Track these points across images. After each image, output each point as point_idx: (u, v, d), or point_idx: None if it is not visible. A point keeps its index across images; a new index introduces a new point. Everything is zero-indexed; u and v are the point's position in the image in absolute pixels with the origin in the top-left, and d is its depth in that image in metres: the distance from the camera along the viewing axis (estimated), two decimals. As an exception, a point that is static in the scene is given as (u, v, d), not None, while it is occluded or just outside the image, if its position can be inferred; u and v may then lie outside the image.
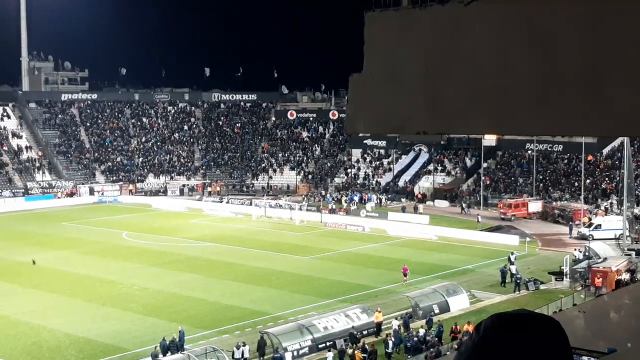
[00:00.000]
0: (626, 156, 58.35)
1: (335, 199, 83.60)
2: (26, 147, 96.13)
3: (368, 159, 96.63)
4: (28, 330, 37.81)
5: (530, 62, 4.13)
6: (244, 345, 33.42)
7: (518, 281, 45.29)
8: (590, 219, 63.94)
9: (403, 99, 4.68)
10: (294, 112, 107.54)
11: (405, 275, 47.44)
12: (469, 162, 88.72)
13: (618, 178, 67.18)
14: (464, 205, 77.42)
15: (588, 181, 74.53)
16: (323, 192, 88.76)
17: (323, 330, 35.56)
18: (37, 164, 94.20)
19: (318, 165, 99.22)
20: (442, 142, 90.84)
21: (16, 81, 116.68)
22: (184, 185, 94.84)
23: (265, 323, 38.19)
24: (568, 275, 46.59)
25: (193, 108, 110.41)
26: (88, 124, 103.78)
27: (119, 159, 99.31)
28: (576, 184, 74.79)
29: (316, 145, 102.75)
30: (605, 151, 79.03)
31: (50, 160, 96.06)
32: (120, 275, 49.44)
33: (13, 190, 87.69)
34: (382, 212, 74.84)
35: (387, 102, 4.78)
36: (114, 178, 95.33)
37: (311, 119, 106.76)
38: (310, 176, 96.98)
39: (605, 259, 48.58)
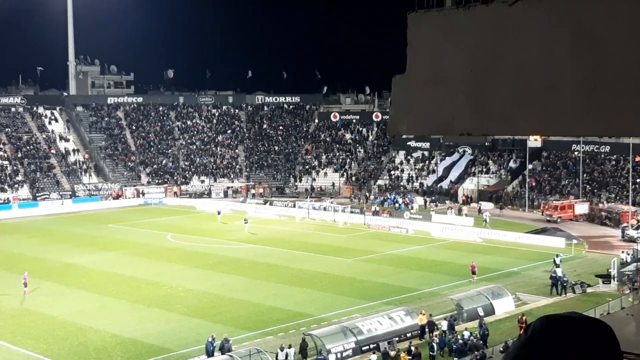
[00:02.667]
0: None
1: (380, 201, 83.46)
2: (73, 150, 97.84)
3: (411, 160, 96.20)
4: (75, 331, 38.42)
5: (577, 62, 4.08)
6: (290, 347, 33.47)
7: (565, 284, 44.63)
8: (638, 221, 62.76)
9: (447, 100, 4.65)
10: (337, 114, 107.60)
11: (473, 272, 47.83)
12: (513, 164, 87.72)
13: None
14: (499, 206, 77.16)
15: (636, 183, 73.09)
16: (367, 194, 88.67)
17: (367, 332, 35.48)
18: (84, 167, 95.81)
19: (361, 167, 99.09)
20: (486, 144, 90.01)
21: (63, 85, 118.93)
22: (228, 188, 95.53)
23: (309, 325, 38.22)
24: (616, 278, 45.78)
25: (237, 110, 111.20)
26: (133, 127, 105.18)
27: (163, 162, 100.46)
28: (624, 185, 73.44)
29: (359, 147, 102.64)
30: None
31: (96, 163, 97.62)
32: (165, 276, 49.96)
33: (60, 193, 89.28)
34: (426, 214, 74.37)
35: (431, 103, 4.75)
36: (159, 180, 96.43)
37: (354, 120, 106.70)
38: (353, 178, 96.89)
39: (654, 261, 47.60)
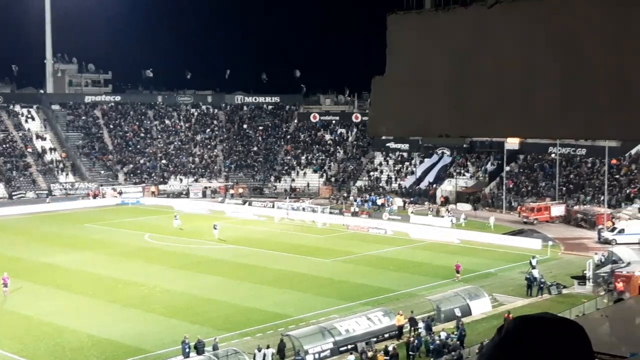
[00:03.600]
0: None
1: (361, 202, 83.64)
2: (50, 149, 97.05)
3: (390, 161, 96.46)
4: (51, 331, 38.11)
5: (555, 65, 4.12)
6: (267, 348, 33.45)
7: (541, 285, 44.99)
8: (613, 223, 63.38)
9: (426, 102, 4.68)
10: (316, 115, 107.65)
11: (457, 272, 48.18)
12: (491, 166, 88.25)
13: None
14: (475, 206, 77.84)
15: (612, 185, 73.83)
16: (346, 195, 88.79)
17: (344, 333, 35.53)
18: (61, 166, 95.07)
19: (340, 168, 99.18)
20: (464, 146, 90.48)
21: (40, 83, 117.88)
22: (206, 188, 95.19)
23: (287, 326, 38.20)
24: (591, 280, 46.20)
25: (216, 110, 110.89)
26: (111, 126, 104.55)
27: (141, 161, 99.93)
28: (599, 187, 74.14)
29: (339, 148, 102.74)
30: (629, 155, 78.28)
31: (73, 162, 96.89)
32: (142, 276, 49.70)
33: (37, 192, 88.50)
34: (405, 215, 74.63)
35: (410, 104, 4.78)
36: (137, 180, 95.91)
37: (334, 121, 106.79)
38: (332, 179, 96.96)
39: (628, 263, 48.08)
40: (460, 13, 4.43)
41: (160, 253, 57.81)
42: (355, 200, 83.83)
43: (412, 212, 75.75)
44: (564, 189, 78.36)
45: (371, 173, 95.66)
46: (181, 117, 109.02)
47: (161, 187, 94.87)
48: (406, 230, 66.56)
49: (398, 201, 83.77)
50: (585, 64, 3.99)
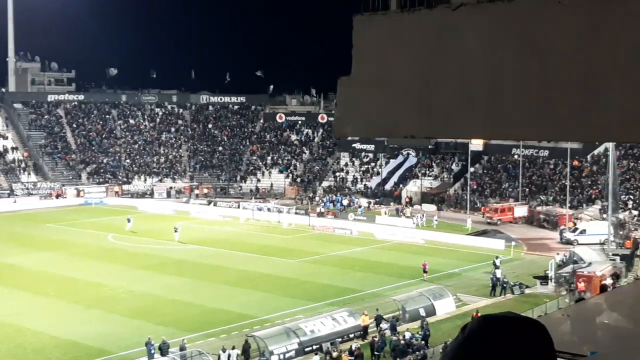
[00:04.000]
0: (611, 162, 58.69)
1: (330, 202, 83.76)
2: (12, 148, 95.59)
3: (356, 162, 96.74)
4: (13, 332, 37.55)
5: (521, 67, 4.16)
6: (232, 349, 33.34)
7: (504, 285, 45.47)
8: (575, 224, 64.27)
9: (391, 103, 4.70)
10: (282, 115, 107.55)
11: (425, 271, 48.56)
12: (455, 167, 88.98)
13: (603, 183, 67.53)
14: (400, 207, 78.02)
15: (574, 186, 74.86)
16: (312, 195, 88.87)
17: (309, 333, 35.54)
18: (23, 165, 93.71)
19: (306, 169, 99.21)
20: (429, 147, 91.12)
21: (2, 82, 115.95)
22: (170, 188, 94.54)
23: (252, 326, 38.10)
24: (553, 280, 46.81)
25: (181, 110, 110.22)
26: (74, 125, 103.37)
27: (105, 161, 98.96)
28: (562, 188, 75.13)
29: (305, 149, 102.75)
30: (590, 156, 79.49)
31: (35, 161, 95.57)
32: (105, 277, 49.22)
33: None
34: (370, 216, 74.91)
35: (376, 105, 4.79)
36: (100, 180, 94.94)
37: (300, 122, 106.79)
38: (298, 179, 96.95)
39: (590, 263, 48.81)
40: (425, 15, 4.46)
41: (123, 254, 57.28)
42: (323, 201, 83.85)
43: (385, 213, 75.49)
44: (527, 189, 79.29)
45: (337, 174, 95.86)
46: (145, 117, 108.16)
47: (125, 187, 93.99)
48: (371, 231, 66.81)
49: (363, 202, 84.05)
50: (551, 66, 4.03)
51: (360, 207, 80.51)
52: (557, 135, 4.26)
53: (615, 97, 3.76)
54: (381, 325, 37.37)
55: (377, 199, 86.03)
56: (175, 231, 62.52)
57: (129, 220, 68.40)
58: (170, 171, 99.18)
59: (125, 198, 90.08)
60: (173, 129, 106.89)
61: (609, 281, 43.00)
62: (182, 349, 33.69)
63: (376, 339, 34.95)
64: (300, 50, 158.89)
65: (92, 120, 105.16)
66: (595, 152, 78.81)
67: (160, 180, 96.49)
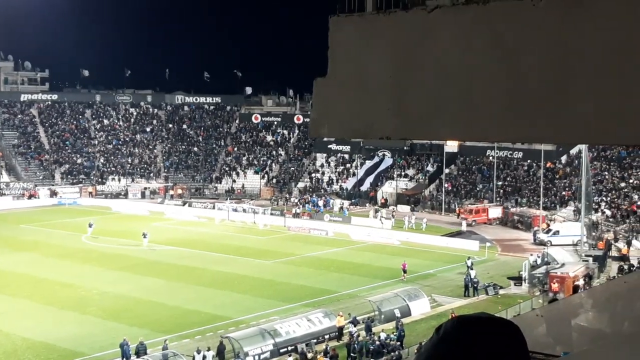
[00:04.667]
0: (584, 163, 59.30)
1: (308, 203, 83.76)
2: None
3: (332, 163, 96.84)
4: (-16, 334, 37.13)
5: (494, 70, 4.19)
6: (207, 350, 33.23)
7: (476, 285, 45.80)
8: (548, 225, 64.83)
9: (367, 104, 4.71)
10: (258, 116, 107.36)
11: (404, 272, 48.75)
12: (431, 168, 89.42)
13: (576, 185, 68.20)
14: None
15: (547, 188, 75.54)
16: (288, 196, 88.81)
17: (285, 334, 35.51)
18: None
19: (282, 169, 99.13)
20: (405, 148, 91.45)
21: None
22: (145, 188, 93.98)
23: (227, 328, 38.00)
24: (527, 281, 47.17)
25: (156, 110, 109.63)
26: (48, 125, 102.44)
27: (79, 161, 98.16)
28: (535, 190, 75.78)
29: (280, 149, 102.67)
30: (563, 158, 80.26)
31: (8, 161, 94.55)
32: (79, 278, 48.81)
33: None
34: (346, 217, 75.02)
35: (352, 106, 4.80)
36: (74, 180, 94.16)
37: (276, 122, 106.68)
38: (274, 180, 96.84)
39: (563, 264, 49.28)
40: (401, 16, 4.48)
41: (97, 254, 56.84)
42: (307, 202, 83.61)
43: (382, 218, 74.62)
44: (502, 191, 79.86)
45: (313, 174, 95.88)
46: (120, 117, 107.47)
47: (99, 187, 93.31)
48: (347, 232, 66.90)
49: (339, 203, 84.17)
50: (523, 70, 4.07)
51: (341, 208, 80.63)
52: (530, 137, 4.30)
53: (587, 99, 3.80)
54: (350, 329, 37.14)
55: (353, 200, 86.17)
56: (144, 237, 60.06)
57: (90, 225, 65.50)
58: (145, 172, 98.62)
59: (99, 198, 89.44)
60: (148, 129, 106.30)
61: (581, 282, 43.46)
62: (164, 348, 33.57)
63: (352, 340, 34.99)
64: (276, 51, 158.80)
65: (65, 120, 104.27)
66: (569, 154, 79.59)
67: (133, 180, 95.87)
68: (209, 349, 33.35)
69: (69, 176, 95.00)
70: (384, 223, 70.81)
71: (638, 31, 3.75)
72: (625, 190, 69.22)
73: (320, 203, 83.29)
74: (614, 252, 55.09)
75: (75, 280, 48.36)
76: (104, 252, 57.76)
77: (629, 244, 55.84)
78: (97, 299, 44.13)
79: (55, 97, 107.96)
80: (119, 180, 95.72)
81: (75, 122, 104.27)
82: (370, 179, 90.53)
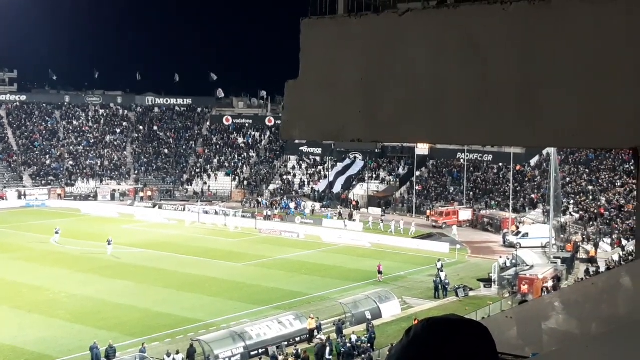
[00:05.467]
0: (553, 166, 59.90)
1: (278, 205, 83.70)
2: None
3: (304, 165, 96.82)
4: (-51, 338, 36.55)
5: (463, 73, 4.22)
6: (177, 353, 33.03)
7: (446, 287, 46.09)
8: (518, 227, 65.40)
9: (338, 107, 4.72)
10: (229, 118, 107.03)
11: (380, 272, 49.13)
12: (402, 171, 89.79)
13: (545, 188, 68.90)
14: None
15: (517, 190, 76.22)
16: (259, 199, 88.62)
17: (255, 337, 35.42)
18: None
19: (253, 172, 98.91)
20: (376, 150, 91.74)
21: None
22: (114, 190, 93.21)
23: (197, 330, 37.81)
24: (496, 282, 47.53)
25: (126, 111, 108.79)
26: (16, 126, 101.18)
27: (48, 162, 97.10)
28: (505, 193, 76.43)
29: (252, 152, 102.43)
30: (532, 161, 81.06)
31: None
32: (47, 281, 48.25)
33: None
34: (317, 219, 75.05)
35: (323, 109, 4.81)
36: (43, 182, 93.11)
37: (247, 124, 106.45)
38: (245, 182, 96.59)
39: (532, 266, 49.73)
40: (372, 19, 4.50)
41: (66, 257, 56.24)
42: (277, 205, 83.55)
43: (346, 220, 74.68)
44: (472, 193, 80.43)
45: (284, 177, 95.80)
46: (89, 118, 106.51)
47: (68, 189, 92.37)
48: (318, 234, 66.91)
49: (311, 205, 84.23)
50: (492, 73, 4.10)
51: (301, 208, 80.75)
52: (499, 140, 4.34)
53: (555, 103, 3.85)
54: (317, 335, 37.05)
55: (324, 203, 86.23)
56: (109, 244, 57.03)
57: (57, 232, 62.67)
58: (115, 173, 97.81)
59: (68, 200, 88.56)
60: (118, 131, 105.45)
61: (550, 284, 43.89)
62: (142, 351, 33.30)
63: (324, 342, 35.00)
64: (247, 53, 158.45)
65: (34, 121, 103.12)
66: (538, 157, 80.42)
67: (101, 181, 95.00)
68: (178, 352, 33.17)
69: (38, 178, 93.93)
70: (347, 225, 71.14)
71: (605, 36, 3.80)
72: (593, 192, 70.09)
73: (292, 205, 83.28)
74: (581, 254, 55.74)
75: (43, 282, 47.80)
76: (73, 255, 57.16)
77: (596, 246, 56.51)
78: (66, 301, 43.66)
79: (23, 98, 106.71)
80: (88, 182, 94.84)
81: (44, 124, 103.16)
82: (341, 181, 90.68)
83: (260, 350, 35.06)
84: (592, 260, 52.90)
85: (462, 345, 2.17)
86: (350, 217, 76.26)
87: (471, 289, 47.05)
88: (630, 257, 44.76)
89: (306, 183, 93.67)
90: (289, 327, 36.88)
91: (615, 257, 50.42)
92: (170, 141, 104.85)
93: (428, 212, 76.58)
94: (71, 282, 48.15)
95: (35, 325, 38.93)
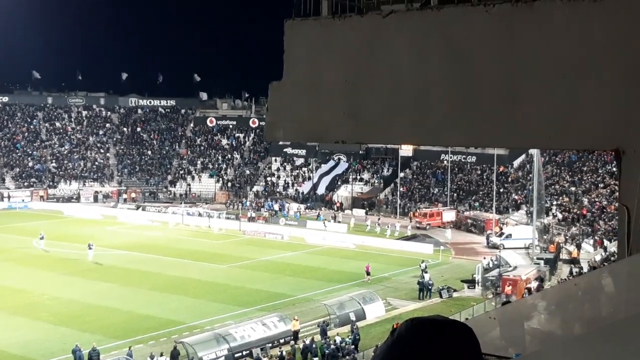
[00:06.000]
0: (536, 168, 60.20)
1: (262, 207, 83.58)
2: None
3: (288, 167, 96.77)
4: None
5: (447, 75, 4.23)
6: (161, 355, 32.90)
7: (430, 288, 46.21)
8: (501, 229, 65.67)
9: (322, 108, 4.72)
10: (213, 119, 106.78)
11: (368, 273, 49.32)
12: (386, 172, 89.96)
13: (528, 189, 69.27)
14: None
15: (500, 192, 76.56)
16: (243, 201, 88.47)
17: (240, 339, 35.34)
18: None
19: (237, 173, 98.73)
20: (360, 152, 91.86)
21: None
22: (97, 192, 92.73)
23: (181, 333, 37.67)
24: (480, 283, 47.71)
25: (109, 113, 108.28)
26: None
27: (30, 164, 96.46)
28: (488, 194, 76.74)
29: (236, 153, 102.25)
30: (516, 163, 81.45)
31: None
32: (30, 283, 47.92)
33: None
34: (301, 221, 75.03)
35: (307, 110, 4.81)
36: (25, 184, 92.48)
37: (231, 126, 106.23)
38: (229, 184, 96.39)
39: (515, 267, 49.94)
40: (356, 21, 4.50)
41: (49, 259, 55.88)
42: (261, 207, 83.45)
43: (325, 221, 74.62)
44: (455, 195, 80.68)
45: (268, 178, 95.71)
46: (72, 120, 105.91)
47: (51, 191, 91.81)
48: (302, 236, 66.90)
49: (295, 206, 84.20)
50: (475, 75, 4.12)
51: (284, 210, 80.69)
52: (482, 142, 4.35)
53: (537, 104, 3.87)
54: (294, 343, 36.98)
55: (309, 204, 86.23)
56: (89, 248, 55.64)
57: (41, 237, 60.45)
58: (98, 175, 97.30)
59: (50, 202, 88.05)
60: (101, 132, 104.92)
61: (533, 284, 44.09)
62: (129, 355, 33.12)
63: (306, 341, 34.99)
64: (231, 55, 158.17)
65: (16, 122, 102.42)
66: (521, 158, 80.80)
67: (84, 184, 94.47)
68: (161, 354, 33.05)
69: (20, 179, 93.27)
70: (327, 226, 71.25)
71: (587, 37, 3.83)
72: (576, 194, 70.53)
73: (276, 207, 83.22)
74: (564, 255, 56.07)
75: (26, 285, 47.47)
76: (56, 257, 56.79)
77: (579, 247, 56.86)
78: (49, 304, 43.39)
79: (5, 99, 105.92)
80: (71, 183, 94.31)
81: (26, 125, 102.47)
82: (325, 182, 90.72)
83: (245, 352, 34.98)
84: (574, 261, 53.21)
85: (447, 345, 2.19)
86: (335, 218, 76.28)
87: (455, 290, 47.19)
88: (612, 258, 45.08)
89: (290, 185, 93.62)
90: (273, 329, 36.83)
91: (598, 258, 50.75)
92: (154, 143, 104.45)
93: (411, 213, 76.74)
94: (54, 284, 47.84)
95: (18, 328, 38.65)
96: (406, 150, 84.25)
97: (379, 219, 74.58)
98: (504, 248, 59.37)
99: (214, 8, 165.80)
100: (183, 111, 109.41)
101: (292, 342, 36.48)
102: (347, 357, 33.81)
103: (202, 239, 66.32)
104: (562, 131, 3.93)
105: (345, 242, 64.10)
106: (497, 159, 73.82)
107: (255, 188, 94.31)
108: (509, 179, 79.79)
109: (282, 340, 36.59)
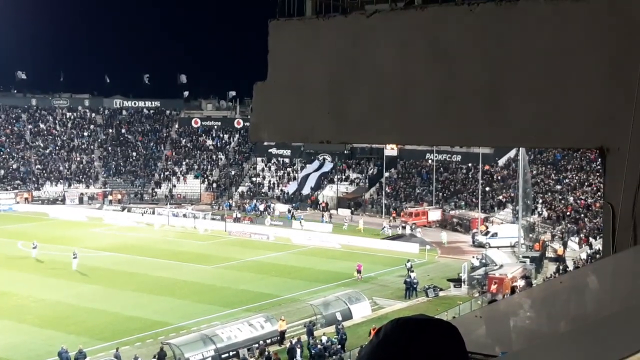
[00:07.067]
0: (521, 166, 60.43)
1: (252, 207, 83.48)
2: None
3: (273, 167, 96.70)
4: None
5: (431, 74, 4.24)
6: (154, 357, 32.77)
7: (416, 287, 46.31)
8: (487, 227, 65.88)
9: (307, 108, 4.72)
10: (198, 120, 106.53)
11: (359, 272, 49.47)
12: (371, 172, 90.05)
13: (514, 188, 69.54)
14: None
15: (485, 191, 76.82)
16: (229, 201, 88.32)
17: (226, 340, 35.28)
18: None
19: (222, 174, 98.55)
20: (345, 152, 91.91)
21: None
22: (82, 194, 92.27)
23: (168, 334, 37.54)
24: (466, 282, 47.84)
25: (93, 114, 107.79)
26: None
27: (15, 166, 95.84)
28: (474, 193, 76.97)
29: (221, 154, 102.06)
30: (501, 161, 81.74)
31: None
32: (15, 286, 47.61)
33: None
34: (287, 221, 74.99)
35: (291, 111, 4.80)
36: (10, 186, 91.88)
37: (216, 127, 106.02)
38: (214, 185, 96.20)
39: (501, 266, 50.12)
40: (340, 21, 4.50)
41: (34, 261, 55.52)
42: (258, 206, 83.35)
43: (302, 221, 74.81)
44: (441, 194, 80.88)
45: (253, 179, 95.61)
46: (57, 121, 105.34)
47: (35, 193, 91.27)
48: (288, 236, 66.86)
49: (280, 207, 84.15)
50: (459, 74, 4.13)
51: (270, 210, 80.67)
52: (467, 141, 4.36)
53: (521, 103, 3.88)
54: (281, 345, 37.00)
55: (294, 204, 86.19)
56: (74, 257, 52.97)
57: (34, 247, 57.50)
58: (83, 177, 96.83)
59: (35, 204, 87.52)
60: (85, 134, 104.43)
61: (519, 283, 44.26)
62: (117, 357, 32.97)
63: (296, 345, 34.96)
64: (216, 55, 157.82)
65: (0, 124, 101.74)
66: (506, 157, 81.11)
67: (69, 185, 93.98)
68: (155, 357, 32.89)
69: (5, 182, 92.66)
70: (303, 225, 71.23)
71: (570, 37, 3.84)
72: (561, 192, 70.89)
73: (261, 207, 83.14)
74: (550, 253, 56.31)
75: (10, 287, 47.17)
76: (41, 259, 56.44)
77: (564, 245, 57.13)
78: (34, 306, 43.13)
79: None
80: (56, 185, 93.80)
81: (10, 127, 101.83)
82: (311, 182, 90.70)
83: (231, 353, 34.92)
84: (560, 259, 53.46)
85: (429, 344, 2.18)
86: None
87: (441, 289, 47.28)
88: (597, 256, 45.33)
89: (275, 185, 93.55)
90: (260, 330, 36.79)
91: (583, 256, 51.02)
92: (139, 144, 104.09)
93: (393, 212, 76.77)
94: (39, 286, 47.55)
95: (3, 330, 38.42)
96: (391, 149, 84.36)
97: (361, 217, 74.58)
98: (489, 247, 59.56)
99: (200, 8, 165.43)
100: (168, 112, 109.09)
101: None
102: (334, 356, 33.82)
103: (187, 240, 66.15)
104: (547, 130, 3.95)
105: (331, 242, 64.13)
106: (482, 157, 74.04)
107: (240, 189, 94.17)
108: (495, 178, 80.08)
109: (268, 341, 36.56)
